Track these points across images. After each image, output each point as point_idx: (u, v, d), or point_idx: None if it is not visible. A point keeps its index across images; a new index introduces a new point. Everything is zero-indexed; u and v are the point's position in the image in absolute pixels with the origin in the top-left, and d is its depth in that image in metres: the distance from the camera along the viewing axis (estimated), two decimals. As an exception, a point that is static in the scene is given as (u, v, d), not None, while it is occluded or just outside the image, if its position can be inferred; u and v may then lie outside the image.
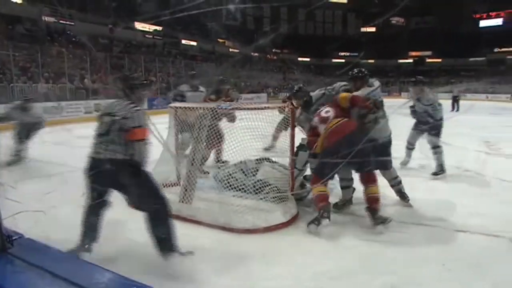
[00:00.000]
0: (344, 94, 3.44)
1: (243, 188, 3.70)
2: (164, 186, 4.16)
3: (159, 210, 2.49)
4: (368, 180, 3.19)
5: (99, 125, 2.55)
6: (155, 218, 2.48)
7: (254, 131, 3.52)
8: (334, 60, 47.18)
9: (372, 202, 3.12)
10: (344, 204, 3.64)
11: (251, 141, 3.59)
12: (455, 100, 18.25)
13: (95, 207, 2.60)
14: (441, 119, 4.86)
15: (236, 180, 3.78)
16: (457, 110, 17.81)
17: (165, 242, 2.46)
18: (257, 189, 3.63)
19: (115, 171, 2.42)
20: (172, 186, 4.16)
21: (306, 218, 3.32)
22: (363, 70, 3.77)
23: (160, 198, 2.53)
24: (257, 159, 4.18)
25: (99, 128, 2.53)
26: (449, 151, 6.58)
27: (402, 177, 3.87)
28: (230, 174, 3.92)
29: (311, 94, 3.98)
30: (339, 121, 3.19)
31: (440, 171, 4.91)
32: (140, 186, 2.49)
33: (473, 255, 2.68)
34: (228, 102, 4.73)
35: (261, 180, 3.72)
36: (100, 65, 18.30)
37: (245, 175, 3.87)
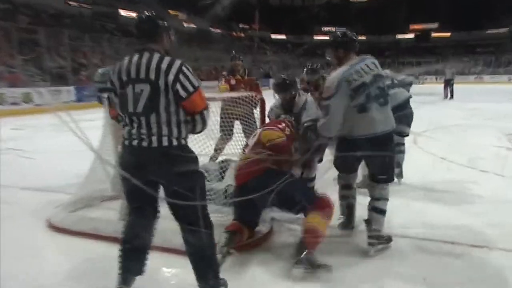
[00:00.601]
0: (265, 133, 3.36)
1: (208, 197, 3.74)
2: (101, 201, 4.15)
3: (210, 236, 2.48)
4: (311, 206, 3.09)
5: (130, 99, 2.31)
6: (204, 245, 2.44)
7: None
8: (316, 38, 47.77)
9: (307, 233, 2.95)
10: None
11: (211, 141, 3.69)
12: (449, 85, 18.74)
13: (138, 223, 2.49)
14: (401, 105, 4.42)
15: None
16: (451, 97, 18.53)
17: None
18: (226, 197, 3.75)
19: (166, 167, 2.28)
20: (110, 200, 4.16)
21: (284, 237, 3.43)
22: (349, 33, 3.32)
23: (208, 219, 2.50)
24: (221, 161, 4.23)
25: (130, 105, 2.31)
26: (460, 149, 6.99)
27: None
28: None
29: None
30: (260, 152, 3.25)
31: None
32: (197, 191, 2.37)
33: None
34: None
35: (231, 185, 3.77)
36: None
37: (208, 180, 3.91)
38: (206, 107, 2.37)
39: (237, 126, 5.04)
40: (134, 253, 2.49)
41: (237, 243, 3.11)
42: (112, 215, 3.74)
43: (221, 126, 4.93)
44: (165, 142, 2.26)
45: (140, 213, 2.47)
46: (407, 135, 4.67)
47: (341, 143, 3.32)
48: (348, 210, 3.56)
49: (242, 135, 4.79)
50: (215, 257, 2.53)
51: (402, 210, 3.98)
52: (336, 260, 3.02)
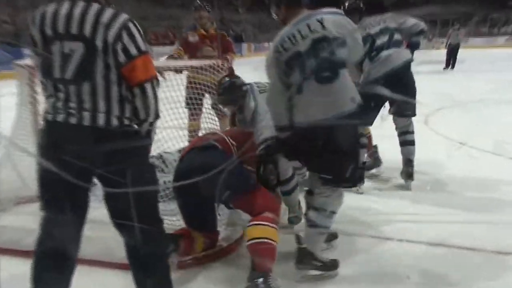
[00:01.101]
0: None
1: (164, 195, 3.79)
2: (15, 204, 4.08)
3: (158, 239, 2.46)
4: (252, 212, 3.04)
5: (56, 62, 2.16)
6: (153, 253, 2.41)
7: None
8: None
9: (254, 253, 2.88)
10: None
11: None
12: (453, 51, 18.66)
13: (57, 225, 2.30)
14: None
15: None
16: (452, 67, 18.63)
17: None
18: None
19: (101, 155, 2.13)
20: (28, 202, 4.07)
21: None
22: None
23: (161, 222, 2.50)
24: (182, 149, 4.19)
25: (56, 69, 2.16)
26: (484, 131, 7.08)
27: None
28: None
29: None
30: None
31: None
32: (143, 186, 2.21)
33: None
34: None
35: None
36: None
37: (164, 172, 3.97)
38: (151, 79, 2.22)
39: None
40: (52, 269, 2.35)
41: (182, 252, 3.09)
42: (31, 222, 3.62)
43: (186, 100, 4.80)
44: (101, 121, 2.14)
45: (60, 212, 2.28)
46: (412, 115, 4.67)
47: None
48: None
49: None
50: (168, 275, 2.51)
51: (408, 210, 4.05)
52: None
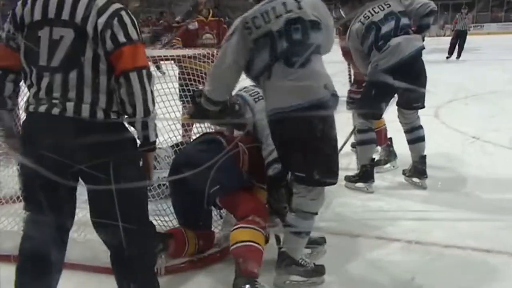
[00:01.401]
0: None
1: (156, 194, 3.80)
2: None
3: (145, 243, 2.45)
4: (237, 213, 3.10)
5: (44, 48, 2.17)
6: (139, 260, 2.40)
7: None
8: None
9: (239, 257, 2.87)
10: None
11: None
12: (460, 38, 18.04)
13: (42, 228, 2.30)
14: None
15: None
16: (458, 56, 18.16)
17: None
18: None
19: (84, 149, 2.12)
20: (10, 202, 4.07)
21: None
22: None
23: (149, 224, 2.55)
24: (174, 144, 4.30)
25: (46, 57, 2.17)
26: (500, 124, 7.12)
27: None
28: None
29: None
30: None
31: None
32: (133, 189, 2.26)
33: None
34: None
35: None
36: None
37: (156, 168, 3.97)
38: (139, 69, 2.19)
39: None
40: (36, 273, 2.35)
41: (173, 253, 3.12)
42: (9, 224, 3.69)
43: (179, 92, 4.56)
44: (85, 112, 2.14)
45: (44, 212, 2.27)
46: (421, 107, 4.65)
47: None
48: None
49: None
50: (153, 282, 2.54)
51: (418, 210, 4.08)
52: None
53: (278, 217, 3.28)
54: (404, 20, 4.36)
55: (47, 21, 2.14)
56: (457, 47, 18.11)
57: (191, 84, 4.18)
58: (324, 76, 2.80)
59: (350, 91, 5.64)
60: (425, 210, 4.15)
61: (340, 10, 4.79)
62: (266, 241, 3.04)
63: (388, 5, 4.38)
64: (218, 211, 3.53)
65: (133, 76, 2.15)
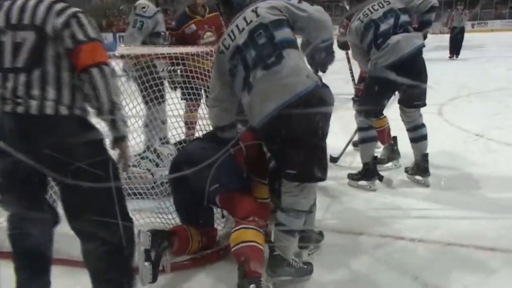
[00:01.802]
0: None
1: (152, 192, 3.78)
2: None
3: (123, 241, 2.49)
4: (237, 214, 3.07)
5: (7, 52, 2.32)
6: (116, 254, 2.49)
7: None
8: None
9: (242, 258, 2.86)
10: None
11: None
12: (457, 36, 17.37)
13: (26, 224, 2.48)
14: None
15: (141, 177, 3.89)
16: (457, 54, 17.62)
17: None
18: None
19: (49, 147, 2.22)
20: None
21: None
22: None
23: (128, 219, 2.58)
24: (177, 142, 4.26)
25: (10, 59, 2.31)
26: (504, 122, 7.13)
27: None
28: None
29: None
30: None
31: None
32: (104, 184, 2.35)
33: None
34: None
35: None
36: None
37: (159, 166, 4.01)
38: (98, 64, 2.29)
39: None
40: (29, 269, 2.54)
41: (177, 250, 3.12)
42: None
43: (182, 91, 4.51)
44: (48, 109, 2.25)
45: (20, 209, 2.47)
46: (422, 105, 4.62)
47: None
48: None
49: None
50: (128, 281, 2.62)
51: (421, 208, 4.09)
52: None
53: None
54: (404, 18, 4.33)
55: (10, 26, 2.29)
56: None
57: (194, 82, 4.19)
58: (303, 68, 2.84)
59: (357, 90, 5.63)
60: (428, 208, 4.15)
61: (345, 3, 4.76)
62: (266, 240, 3.05)
63: (387, 2, 4.36)
64: (220, 209, 3.55)
65: (94, 71, 2.25)
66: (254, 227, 2.89)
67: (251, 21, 2.86)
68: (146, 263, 2.85)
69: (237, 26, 2.91)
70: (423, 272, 3.14)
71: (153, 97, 3.83)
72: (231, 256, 3.20)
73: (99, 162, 2.35)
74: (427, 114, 4.64)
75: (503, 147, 5.89)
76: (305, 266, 3.06)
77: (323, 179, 2.89)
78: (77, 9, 2.33)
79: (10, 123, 2.28)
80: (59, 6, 2.30)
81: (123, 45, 5.11)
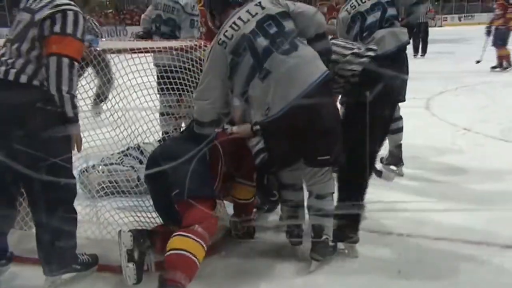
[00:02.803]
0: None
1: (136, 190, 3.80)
2: None
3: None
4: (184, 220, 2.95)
5: (13, 26, 2.83)
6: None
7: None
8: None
9: (166, 263, 2.78)
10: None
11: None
12: (421, 32, 16.00)
13: None
14: None
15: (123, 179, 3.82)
16: (423, 52, 16.55)
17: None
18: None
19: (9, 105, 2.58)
20: None
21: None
22: None
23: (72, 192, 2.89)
24: (162, 139, 4.18)
25: (11, 31, 2.84)
26: (491, 115, 7.14)
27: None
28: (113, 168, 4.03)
29: None
30: None
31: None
32: (52, 152, 2.68)
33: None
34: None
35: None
36: None
37: (141, 162, 4.03)
38: (61, 55, 2.63)
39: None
40: None
41: (159, 250, 3.06)
42: None
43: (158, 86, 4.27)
44: (11, 76, 2.63)
45: None
46: (402, 100, 4.58)
47: (268, 136, 3.08)
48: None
49: None
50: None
51: (409, 202, 4.12)
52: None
53: (268, 204, 3.51)
54: (391, 11, 4.29)
55: (23, 8, 2.79)
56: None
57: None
58: (316, 56, 2.94)
59: None
60: (416, 201, 4.17)
61: None
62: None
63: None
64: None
65: (52, 59, 2.61)
66: (192, 236, 2.76)
67: (256, 13, 2.95)
68: (130, 264, 2.84)
69: (240, 18, 2.95)
70: (410, 266, 3.15)
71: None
72: (218, 253, 3.31)
73: (47, 125, 2.65)
74: (415, 108, 4.66)
75: (490, 141, 5.91)
76: (334, 244, 3.22)
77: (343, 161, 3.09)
78: (70, 7, 2.68)
79: None
80: (59, 1, 2.68)
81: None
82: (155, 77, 3.96)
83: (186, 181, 2.87)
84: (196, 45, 3.81)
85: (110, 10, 34.92)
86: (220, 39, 2.96)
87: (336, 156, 3.00)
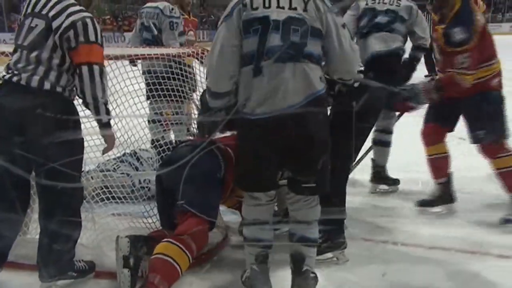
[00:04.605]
0: None
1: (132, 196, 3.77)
2: None
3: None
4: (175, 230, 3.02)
5: (22, 31, 2.82)
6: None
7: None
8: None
9: (149, 266, 2.85)
10: None
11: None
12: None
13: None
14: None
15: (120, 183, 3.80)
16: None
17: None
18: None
19: (30, 110, 2.64)
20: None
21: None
22: None
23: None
24: (158, 145, 4.18)
25: (21, 37, 2.81)
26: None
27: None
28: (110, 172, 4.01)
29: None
30: None
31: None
32: (67, 152, 2.72)
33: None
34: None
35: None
36: None
37: (138, 169, 4.04)
38: (91, 63, 2.73)
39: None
40: None
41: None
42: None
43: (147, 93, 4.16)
44: (34, 82, 2.69)
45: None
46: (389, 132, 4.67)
47: (240, 127, 2.83)
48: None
49: None
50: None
51: (403, 211, 4.15)
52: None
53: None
54: (399, 26, 4.30)
55: (32, 13, 2.79)
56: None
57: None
58: (317, 73, 2.64)
59: None
60: (410, 214, 4.19)
61: None
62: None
63: (398, 5, 4.32)
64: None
65: (84, 68, 2.71)
66: (180, 245, 2.80)
67: (295, 8, 2.56)
68: (125, 270, 2.83)
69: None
70: (404, 274, 3.19)
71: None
72: (215, 259, 3.36)
73: (66, 127, 2.73)
74: (410, 118, 4.63)
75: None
76: (315, 274, 2.89)
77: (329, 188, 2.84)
78: (86, 14, 2.77)
79: (7, 89, 2.76)
80: (72, 8, 2.75)
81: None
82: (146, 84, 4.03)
83: (195, 194, 2.94)
84: (193, 52, 3.84)
85: (108, 16, 34.86)
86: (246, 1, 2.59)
87: (322, 183, 2.76)
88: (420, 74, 5.75)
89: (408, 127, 4.87)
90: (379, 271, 3.20)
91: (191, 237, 2.84)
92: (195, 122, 4.12)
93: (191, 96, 4.15)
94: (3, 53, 3.29)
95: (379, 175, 4.81)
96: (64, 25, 2.69)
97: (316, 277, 2.87)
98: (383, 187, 4.83)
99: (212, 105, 2.87)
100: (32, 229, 3.42)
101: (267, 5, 2.57)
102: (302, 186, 2.76)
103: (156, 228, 3.42)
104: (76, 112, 2.87)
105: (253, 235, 2.88)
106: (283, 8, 2.56)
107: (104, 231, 3.45)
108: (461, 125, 5.73)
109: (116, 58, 3.43)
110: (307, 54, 2.57)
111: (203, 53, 3.85)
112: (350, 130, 2.83)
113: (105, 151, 3.08)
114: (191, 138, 3.95)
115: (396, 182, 4.72)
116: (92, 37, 2.74)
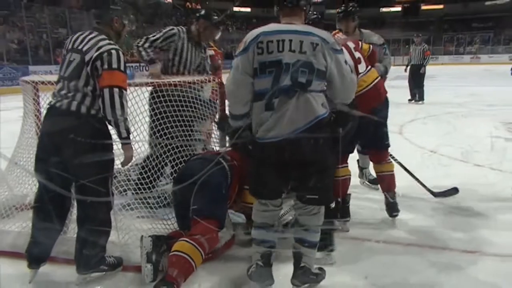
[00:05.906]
0: None
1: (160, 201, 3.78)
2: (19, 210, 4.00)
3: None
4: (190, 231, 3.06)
5: (63, 64, 2.95)
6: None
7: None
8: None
9: (168, 262, 2.86)
10: None
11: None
12: (414, 75, 12.25)
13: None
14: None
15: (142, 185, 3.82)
16: (421, 98, 12.36)
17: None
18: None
19: (71, 131, 2.75)
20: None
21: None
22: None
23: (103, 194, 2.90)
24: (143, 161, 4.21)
25: (63, 69, 2.93)
26: (453, 140, 7.17)
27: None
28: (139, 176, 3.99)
29: None
30: None
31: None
32: (95, 165, 2.77)
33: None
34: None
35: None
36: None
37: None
38: (112, 86, 2.79)
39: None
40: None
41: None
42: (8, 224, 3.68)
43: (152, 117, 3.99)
44: (73, 107, 2.81)
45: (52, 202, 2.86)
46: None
47: (253, 148, 2.80)
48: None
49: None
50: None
51: (383, 214, 4.06)
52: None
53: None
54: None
55: (72, 49, 2.93)
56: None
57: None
58: (320, 97, 2.66)
59: None
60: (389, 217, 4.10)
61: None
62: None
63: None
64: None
65: (106, 91, 2.78)
66: (194, 243, 2.84)
67: (305, 52, 2.56)
68: (148, 265, 2.90)
69: (290, 42, 2.58)
70: (388, 270, 3.17)
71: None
72: (225, 255, 3.34)
73: (99, 147, 2.80)
74: (390, 133, 4.60)
75: (453, 162, 5.98)
76: (321, 272, 2.89)
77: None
78: (113, 46, 2.88)
79: (52, 113, 2.90)
80: (102, 43, 2.87)
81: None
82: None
83: (205, 201, 3.00)
84: (206, 79, 3.86)
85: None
86: (261, 43, 2.60)
87: (324, 196, 2.77)
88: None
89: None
90: (364, 267, 3.20)
91: (204, 237, 2.89)
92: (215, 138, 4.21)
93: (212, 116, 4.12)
94: (49, 82, 3.51)
95: (363, 174, 4.95)
96: (93, 57, 2.80)
97: (317, 274, 2.87)
98: (367, 183, 4.90)
99: (233, 125, 2.87)
100: (71, 229, 3.41)
101: (280, 49, 2.58)
102: (306, 197, 2.76)
103: (174, 229, 3.42)
104: (107, 131, 2.92)
105: (260, 236, 2.88)
106: (294, 51, 2.58)
107: (130, 231, 3.45)
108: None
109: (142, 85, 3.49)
110: (311, 90, 2.60)
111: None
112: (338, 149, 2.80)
113: (124, 163, 3.03)
114: (201, 152, 3.93)
115: (375, 181, 4.67)
116: (114, 65, 2.82)
